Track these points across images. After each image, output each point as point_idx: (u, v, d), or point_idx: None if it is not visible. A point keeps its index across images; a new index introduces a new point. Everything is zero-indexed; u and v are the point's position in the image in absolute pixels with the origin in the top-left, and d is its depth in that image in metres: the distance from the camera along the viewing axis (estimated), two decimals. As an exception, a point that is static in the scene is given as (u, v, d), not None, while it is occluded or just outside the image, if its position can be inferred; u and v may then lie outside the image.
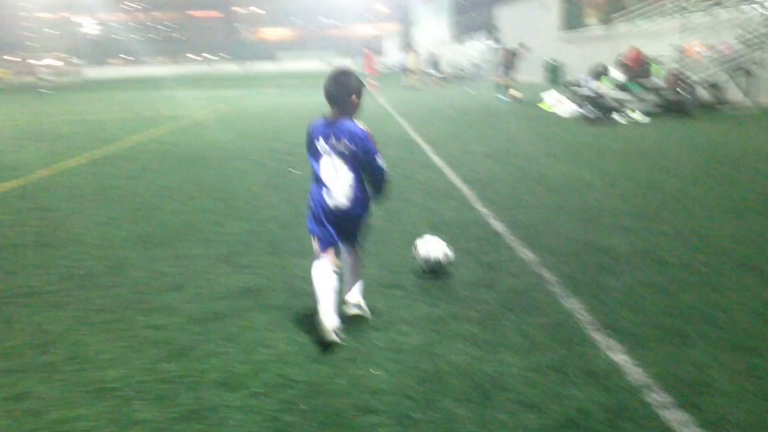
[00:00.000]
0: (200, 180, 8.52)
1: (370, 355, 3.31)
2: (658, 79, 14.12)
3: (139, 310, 4.01)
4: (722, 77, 13.88)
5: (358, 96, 3.61)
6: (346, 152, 3.50)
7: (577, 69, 22.79)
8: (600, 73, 14.95)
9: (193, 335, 3.63)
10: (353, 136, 3.50)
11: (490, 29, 39.29)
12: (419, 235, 5.40)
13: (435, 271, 4.51)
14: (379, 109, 19.11)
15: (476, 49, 39.71)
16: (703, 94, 14.20)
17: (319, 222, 3.63)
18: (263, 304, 4.06)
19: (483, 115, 16.18)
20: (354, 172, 3.53)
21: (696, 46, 13.86)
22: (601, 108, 13.45)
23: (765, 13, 13.23)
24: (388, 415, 2.74)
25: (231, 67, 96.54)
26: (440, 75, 35.18)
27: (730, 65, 13.45)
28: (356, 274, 3.81)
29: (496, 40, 37.19)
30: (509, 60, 20.32)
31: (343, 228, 3.63)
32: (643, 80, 14.29)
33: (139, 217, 6.51)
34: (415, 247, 4.64)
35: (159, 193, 7.78)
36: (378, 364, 3.20)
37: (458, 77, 38.12)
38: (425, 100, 22.11)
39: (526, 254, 4.87)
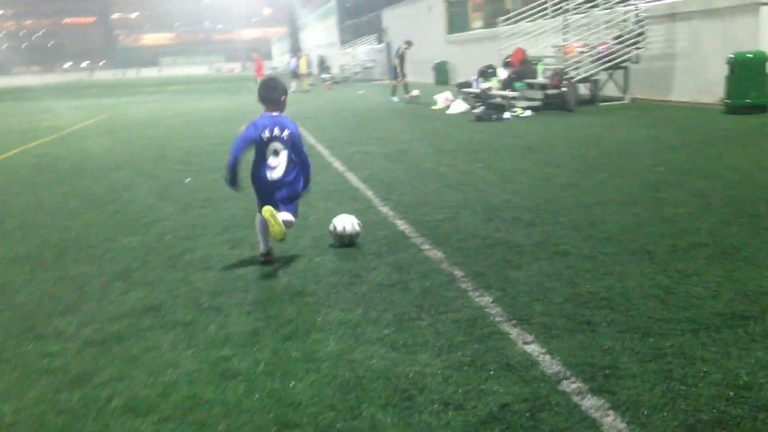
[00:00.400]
0: (86, 194, 8.05)
1: (285, 366, 3.20)
2: (542, 77, 14.70)
3: (29, 338, 3.71)
4: (600, 74, 14.63)
5: (285, 96, 4.96)
6: (286, 138, 4.76)
7: (465, 70, 23.41)
8: (489, 74, 15.41)
9: (91, 360, 3.39)
10: (290, 127, 4.81)
11: (378, 32, 39.66)
12: (324, 240, 5.35)
13: (349, 243, 5.20)
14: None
15: (365, 52, 39.95)
16: (583, 89, 14.92)
17: (261, 194, 4.81)
18: (166, 322, 3.86)
19: (377, 116, 16.27)
20: (289, 152, 4.78)
21: (576, 46, 14.53)
22: (491, 106, 13.85)
23: (638, 13, 14.06)
24: (310, 428, 2.65)
25: (112, 75, 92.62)
26: (330, 77, 35.16)
27: (608, 63, 14.19)
28: (288, 220, 4.73)
29: (386, 43, 37.60)
30: (401, 63, 20.71)
31: (283, 193, 4.79)
32: (528, 79, 14.83)
33: (22, 237, 6.07)
34: (332, 226, 5.26)
35: (42, 209, 7.29)
36: (295, 375, 3.10)
37: (349, 79, 38.25)
38: (318, 103, 22.02)
39: (434, 253, 4.89)
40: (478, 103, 14.44)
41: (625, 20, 14.32)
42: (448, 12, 30.05)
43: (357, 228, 5.23)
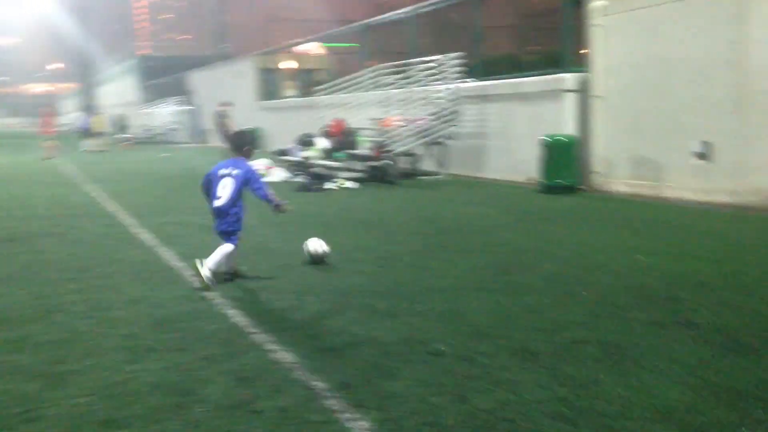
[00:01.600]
0: None
1: None
2: (364, 149, 14.48)
3: None
4: (419, 148, 14.73)
5: (251, 146, 6.18)
6: (235, 175, 5.74)
7: (279, 137, 22.87)
8: (307, 143, 14.91)
9: None
10: (241, 167, 5.80)
11: (184, 93, 38.08)
12: (138, 340, 4.28)
13: (321, 261, 6.37)
14: (58, 176, 16.72)
15: (169, 113, 38.03)
16: (403, 163, 14.90)
17: (214, 219, 5.88)
18: None
19: (188, 181, 14.98)
20: (235, 187, 5.72)
21: (394, 119, 14.55)
22: (312, 176, 13.28)
23: (452, 91, 14.42)
24: None
25: None
26: (129, 137, 32.91)
27: (425, 137, 14.33)
28: (223, 254, 5.76)
29: (192, 105, 36.17)
30: (224, 125, 19.85)
31: (225, 220, 5.77)
32: (349, 149, 14.54)
33: None
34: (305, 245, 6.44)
35: None
36: None
37: (151, 141, 36.05)
38: (118, 165, 20.09)
39: (284, 355, 4.00)
40: (299, 172, 13.81)
41: (440, 98, 14.62)
42: (259, 78, 29.57)
43: (326, 249, 6.44)
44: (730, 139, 9.86)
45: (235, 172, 5.75)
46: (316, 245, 6.45)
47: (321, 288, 5.54)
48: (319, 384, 3.57)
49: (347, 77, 16.98)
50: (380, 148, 14.05)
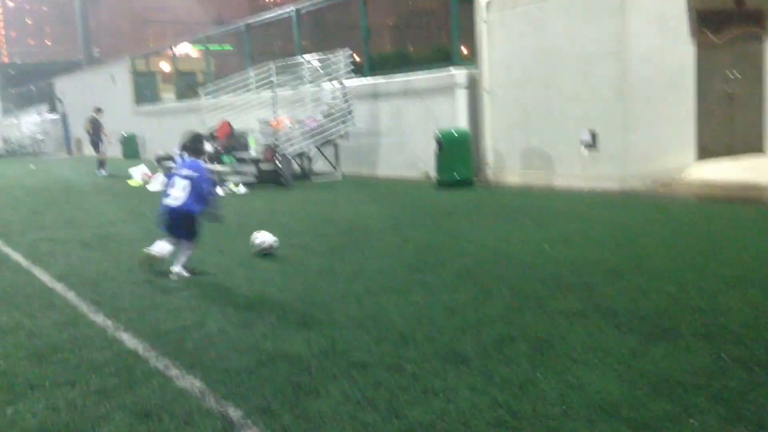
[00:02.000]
0: None
1: None
2: (254, 151, 13.92)
3: None
4: (311, 148, 14.35)
5: (201, 144, 6.53)
6: (188, 175, 5.84)
7: (160, 143, 21.75)
8: (193, 146, 14.16)
9: None
10: (195, 168, 5.95)
11: (51, 101, 35.57)
12: (17, 376, 3.71)
13: (269, 253, 6.57)
14: None
15: (35, 123, 35.36)
16: (296, 164, 14.48)
17: (163, 220, 5.93)
18: None
19: (62, 194, 13.84)
20: (189, 187, 5.78)
21: (285, 120, 14.08)
22: (200, 182, 12.59)
23: (345, 91, 14.14)
24: None
25: None
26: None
27: (317, 137, 13.97)
28: (184, 254, 5.88)
29: (61, 113, 33.86)
30: (97, 132, 18.58)
31: (178, 220, 5.82)
32: (239, 152, 13.96)
33: None
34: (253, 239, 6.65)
35: None
36: None
37: (15, 153, 33.44)
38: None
39: (190, 382, 3.56)
40: (185, 179, 13.07)
41: (334, 97, 14.31)
42: (135, 82, 28.05)
43: (274, 243, 6.64)
44: (613, 128, 10.20)
45: (187, 173, 5.85)
46: (263, 237, 6.66)
47: (224, 301, 5.11)
48: (233, 412, 3.18)
49: (233, 78, 16.26)
50: (271, 150, 13.55)
